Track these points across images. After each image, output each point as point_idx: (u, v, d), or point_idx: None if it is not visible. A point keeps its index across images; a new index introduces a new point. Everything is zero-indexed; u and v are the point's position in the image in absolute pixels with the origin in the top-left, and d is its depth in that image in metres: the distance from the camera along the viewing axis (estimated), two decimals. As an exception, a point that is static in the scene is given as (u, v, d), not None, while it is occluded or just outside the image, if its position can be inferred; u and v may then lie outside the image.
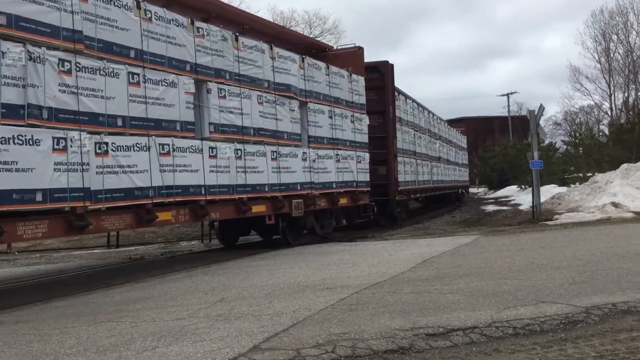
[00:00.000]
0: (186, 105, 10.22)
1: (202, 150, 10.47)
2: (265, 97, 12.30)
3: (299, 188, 13.21)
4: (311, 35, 44.22)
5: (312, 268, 9.45)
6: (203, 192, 10.49)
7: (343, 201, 15.20)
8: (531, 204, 17.82)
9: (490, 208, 26.70)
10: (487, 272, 7.98)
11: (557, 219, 16.45)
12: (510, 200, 29.51)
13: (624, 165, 20.79)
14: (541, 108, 18.20)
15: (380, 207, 18.24)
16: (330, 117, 14.67)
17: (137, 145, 9.15)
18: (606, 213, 16.23)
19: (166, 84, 9.86)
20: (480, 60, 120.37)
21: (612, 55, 52.00)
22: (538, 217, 16.96)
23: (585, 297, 6.02)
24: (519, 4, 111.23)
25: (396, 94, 19.78)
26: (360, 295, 6.76)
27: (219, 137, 10.98)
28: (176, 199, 9.91)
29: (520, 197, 29.33)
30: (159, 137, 9.60)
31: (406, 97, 22.11)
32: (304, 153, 13.50)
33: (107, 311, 6.76)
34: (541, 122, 19.00)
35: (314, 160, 13.75)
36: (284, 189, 12.67)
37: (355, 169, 15.67)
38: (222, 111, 11.06)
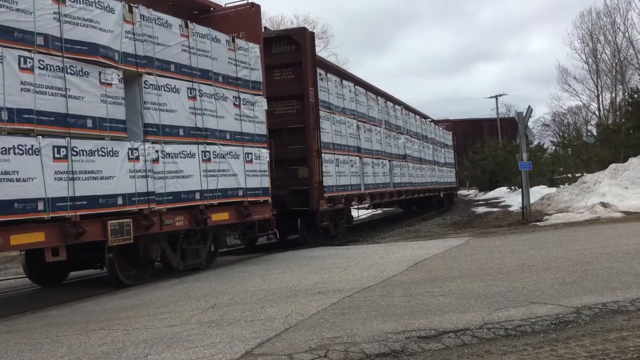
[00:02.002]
0: None
1: None
2: (41, 61, 7.78)
3: (120, 202, 8.73)
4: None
5: (304, 272, 9.46)
6: None
7: (220, 217, 10.98)
8: (521, 205, 17.91)
9: (481, 210, 26.82)
10: (478, 274, 8.02)
11: (546, 219, 16.55)
12: (500, 202, 29.65)
13: (612, 166, 20.96)
14: (529, 110, 18.32)
15: (308, 220, 14.90)
16: (193, 98, 10.31)
17: None
18: (595, 213, 16.34)
19: None
20: (467, 63, 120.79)
21: (599, 56, 52.54)
22: (528, 218, 17.06)
23: (576, 298, 6.06)
24: (502, 7, 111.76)
25: (321, 72, 15.39)
26: (352, 299, 6.77)
27: None
28: None
29: (510, 198, 29.47)
30: None
31: (343, 77, 17.66)
32: (134, 150, 8.98)
33: (98, 319, 6.73)
34: (530, 124, 19.13)
35: (154, 160, 9.36)
36: (84, 205, 8.14)
37: (242, 171, 11.38)
38: None
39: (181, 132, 10.11)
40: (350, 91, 17.38)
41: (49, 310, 7.75)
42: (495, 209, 25.42)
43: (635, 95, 31.49)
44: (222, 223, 11.19)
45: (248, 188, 11.60)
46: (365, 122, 18.36)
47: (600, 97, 53.58)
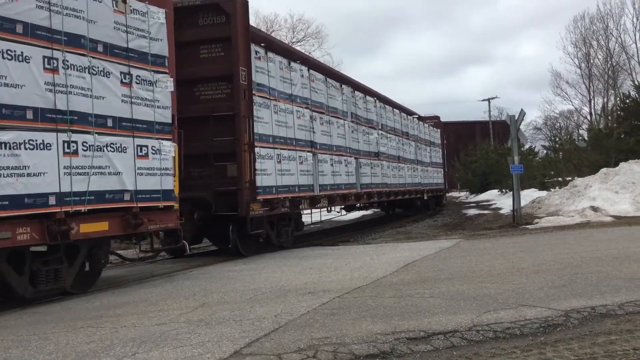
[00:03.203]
0: None
1: None
2: None
3: None
4: (294, 40, 44.28)
5: (295, 272, 9.45)
6: None
7: (94, 228, 8.32)
8: (512, 208, 17.97)
9: (472, 212, 26.86)
10: (468, 276, 8.03)
11: (537, 222, 16.61)
12: (491, 204, 29.72)
13: (603, 170, 21.09)
14: (522, 113, 18.38)
15: (241, 227, 12.31)
16: (52, 70, 7.75)
17: None
18: (585, 217, 16.43)
19: None
20: (459, 66, 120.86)
21: (592, 60, 52.82)
22: (518, 221, 17.11)
23: (565, 301, 6.08)
24: (492, 12, 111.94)
25: (259, 49, 12.86)
26: (342, 300, 6.77)
27: None
28: None
29: (501, 201, 29.54)
30: None
31: (294, 58, 14.98)
32: None
33: (86, 317, 6.70)
34: (521, 127, 19.18)
35: None
36: None
37: (130, 168, 8.82)
38: None
39: (29, 114, 7.50)
40: (302, 76, 14.72)
41: (38, 307, 7.69)
42: (486, 212, 25.47)
43: (628, 100, 31.70)
44: (98, 235, 8.50)
45: (140, 190, 8.97)
46: (322, 113, 15.72)
47: (592, 101, 53.97)
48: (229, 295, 7.60)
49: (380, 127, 20.76)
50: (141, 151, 9.10)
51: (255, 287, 8.13)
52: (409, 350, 4.79)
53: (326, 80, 16.30)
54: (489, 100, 62.81)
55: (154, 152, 9.30)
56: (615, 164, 22.68)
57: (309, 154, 14.67)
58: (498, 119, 62.00)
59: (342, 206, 20.07)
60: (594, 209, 17.17)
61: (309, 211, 18.01)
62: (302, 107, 14.59)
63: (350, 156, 17.57)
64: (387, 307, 6.24)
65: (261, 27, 40.20)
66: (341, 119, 17.07)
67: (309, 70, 15.21)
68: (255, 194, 12.20)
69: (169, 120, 9.70)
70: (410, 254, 11.06)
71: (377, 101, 20.96)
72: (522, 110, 18.46)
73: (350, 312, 6.04)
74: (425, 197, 27.60)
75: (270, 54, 13.32)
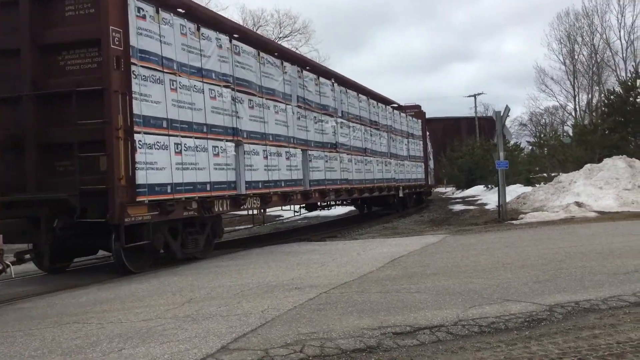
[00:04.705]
0: None
1: None
2: None
3: None
4: (281, 35, 44.10)
5: (281, 268, 9.46)
6: None
7: None
8: (497, 204, 18.08)
9: (458, 207, 26.98)
10: (454, 271, 8.09)
11: (522, 218, 16.73)
12: (477, 200, 29.86)
13: (587, 166, 21.29)
14: (507, 109, 18.48)
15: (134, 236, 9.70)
16: None
17: None
18: (570, 212, 16.57)
19: None
20: (444, 63, 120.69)
21: (576, 57, 53.18)
22: (504, 216, 17.23)
23: (549, 296, 6.14)
24: (476, 9, 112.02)
25: (143, 6, 9.93)
26: (329, 295, 6.79)
27: None
28: None
29: (487, 196, 29.68)
30: None
31: (209, 23, 12.04)
32: None
33: (72, 312, 6.68)
34: (507, 123, 19.29)
35: None
36: None
37: None
38: None
39: None
40: (220, 46, 11.92)
41: (24, 303, 7.66)
42: (471, 207, 25.60)
43: (612, 97, 32.00)
44: None
45: None
46: (252, 95, 13.01)
47: (577, 98, 54.37)
48: (216, 290, 7.60)
49: (340, 115, 18.06)
50: None
51: (242, 282, 8.13)
52: (395, 345, 4.82)
53: (259, 54, 13.43)
54: (475, 96, 62.98)
55: None
56: (600, 160, 22.91)
57: (229, 143, 11.99)
58: (484, 115, 62.28)
59: (302, 205, 17.91)
60: (579, 204, 17.32)
61: (289, 207, 16.79)
62: (219, 85, 11.81)
63: (296, 147, 14.85)
64: (374, 302, 6.27)
65: (248, 23, 40.12)
66: (282, 102, 14.35)
67: (231, 41, 12.38)
68: (134, 194, 9.48)
69: None
70: (396, 249, 11.10)
71: (335, 84, 18.07)
72: (507, 106, 18.58)
73: (337, 308, 6.07)
74: (401, 194, 24.91)
75: (164, 14, 10.44)
